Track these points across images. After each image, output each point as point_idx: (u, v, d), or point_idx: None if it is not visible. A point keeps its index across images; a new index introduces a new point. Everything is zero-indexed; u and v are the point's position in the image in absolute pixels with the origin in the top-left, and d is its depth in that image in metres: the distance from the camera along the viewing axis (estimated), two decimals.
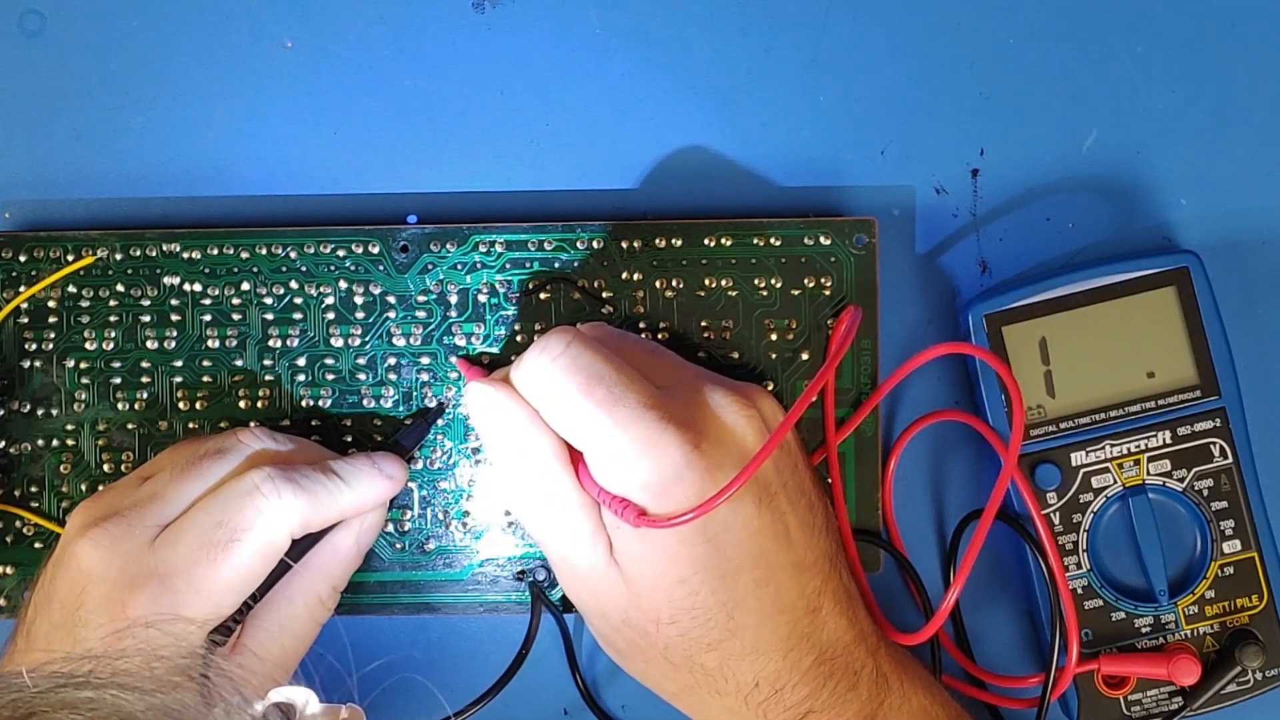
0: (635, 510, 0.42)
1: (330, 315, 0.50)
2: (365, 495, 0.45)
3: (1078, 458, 0.49)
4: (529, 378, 0.43)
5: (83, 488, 0.50)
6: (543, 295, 0.50)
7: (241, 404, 0.50)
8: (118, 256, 0.50)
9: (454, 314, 0.50)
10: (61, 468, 0.50)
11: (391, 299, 0.50)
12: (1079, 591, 0.49)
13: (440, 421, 0.50)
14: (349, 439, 0.50)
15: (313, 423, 0.50)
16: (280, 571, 0.44)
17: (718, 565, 0.42)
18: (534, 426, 0.43)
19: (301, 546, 0.45)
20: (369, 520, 0.47)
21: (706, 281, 0.50)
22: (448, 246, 0.50)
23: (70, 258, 0.50)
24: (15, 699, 0.29)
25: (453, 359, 0.50)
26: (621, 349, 0.45)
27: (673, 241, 0.50)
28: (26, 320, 0.50)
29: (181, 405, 0.50)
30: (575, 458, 0.44)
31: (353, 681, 0.42)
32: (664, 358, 0.46)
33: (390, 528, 0.50)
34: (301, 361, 0.50)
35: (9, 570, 0.50)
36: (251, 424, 0.48)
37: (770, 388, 0.49)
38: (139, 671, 0.31)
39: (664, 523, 0.41)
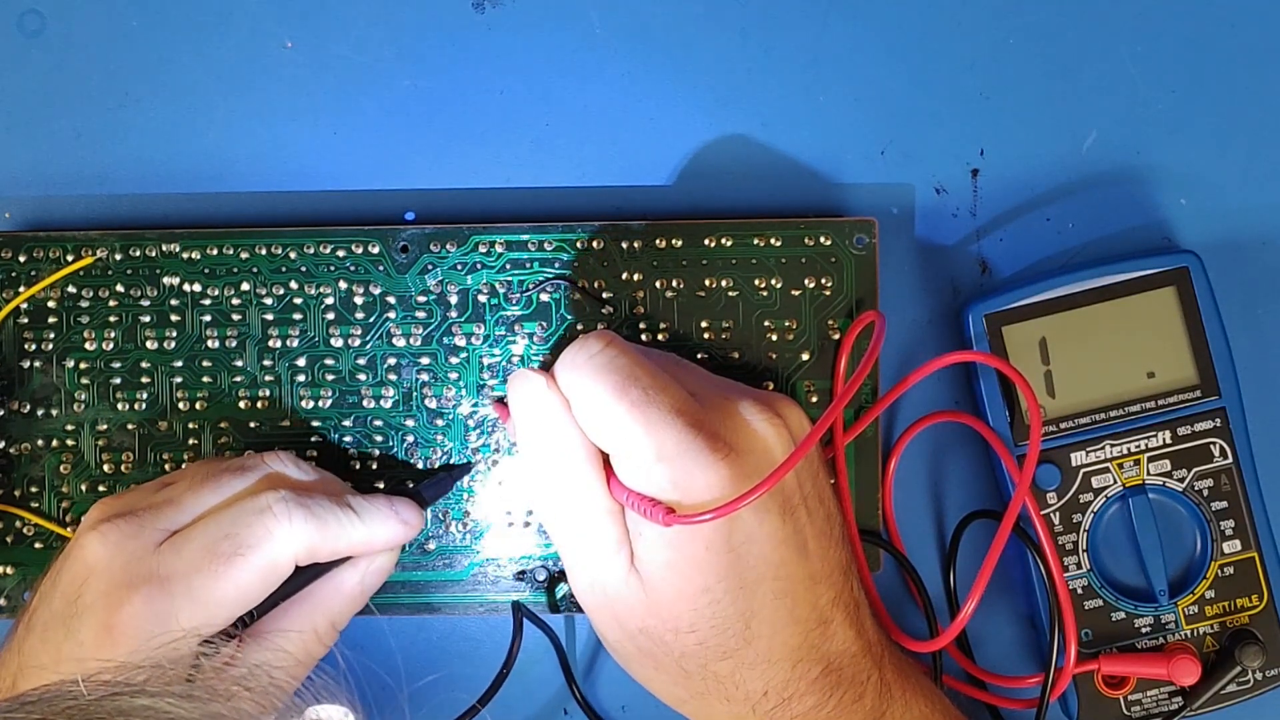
0: (664, 509, 0.41)
1: (330, 315, 0.50)
2: (376, 534, 0.45)
3: (1078, 458, 0.49)
4: (565, 373, 0.44)
5: (83, 488, 0.50)
6: (543, 296, 0.50)
7: (241, 404, 0.50)
8: (117, 256, 0.50)
9: (454, 314, 0.50)
10: (61, 468, 0.50)
11: (391, 299, 0.50)
12: (1079, 591, 0.49)
13: (462, 481, 0.50)
14: (348, 439, 0.50)
15: (313, 424, 0.50)
16: (281, 595, 0.44)
17: (740, 574, 0.42)
18: (569, 423, 0.44)
19: (306, 576, 0.45)
20: (377, 561, 0.46)
21: (706, 281, 0.50)
22: (448, 247, 0.50)
23: (70, 258, 0.50)
24: (70, 706, 0.29)
25: (488, 401, 0.50)
26: (649, 358, 0.45)
27: (673, 241, 0.50)
28: (26, 320, 0.50)
29: (181, 406, 0.50)
30: (605, 466, 0.44)
31: (404, 695, 0.42)
32: (691, 369, 0.47)
33: None
34: (301, 362, 0.50)
35: (9, 570, 0.50)
36: (278, 449, 0.47)
37: (769, 388, 0.49)
38: (193, 679, 0.31)
39: (693, 518, 0.41)
